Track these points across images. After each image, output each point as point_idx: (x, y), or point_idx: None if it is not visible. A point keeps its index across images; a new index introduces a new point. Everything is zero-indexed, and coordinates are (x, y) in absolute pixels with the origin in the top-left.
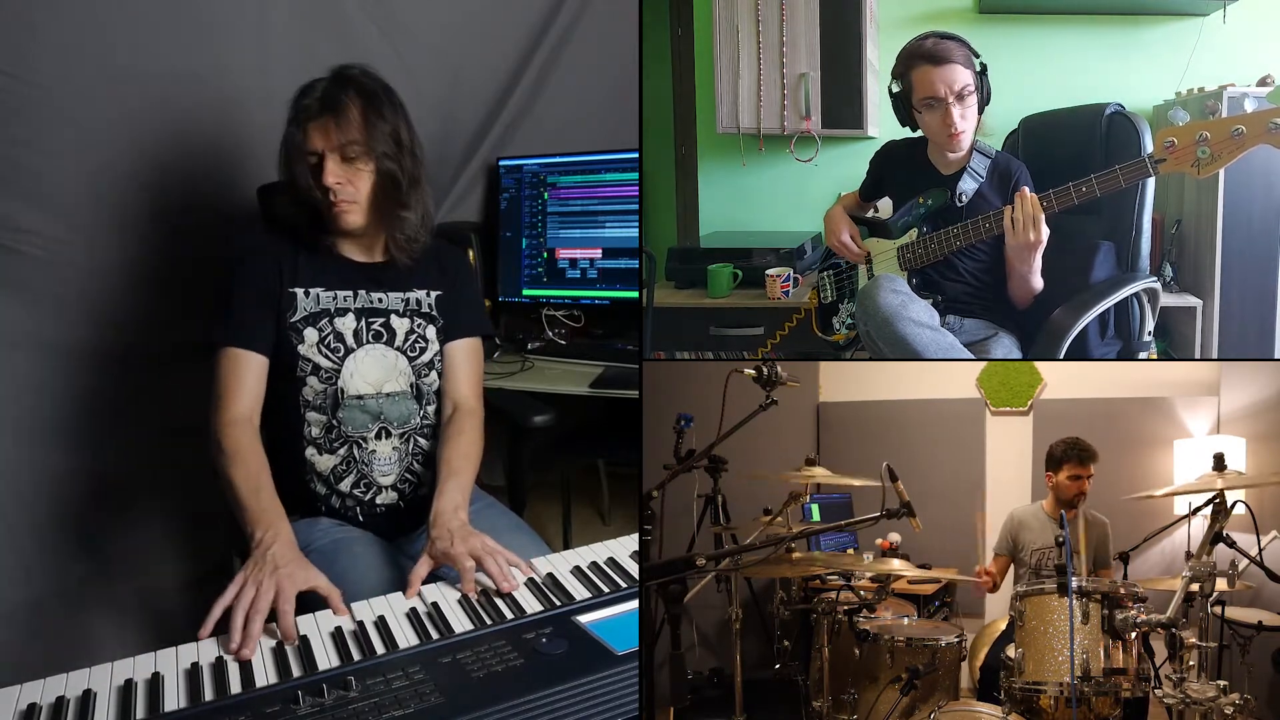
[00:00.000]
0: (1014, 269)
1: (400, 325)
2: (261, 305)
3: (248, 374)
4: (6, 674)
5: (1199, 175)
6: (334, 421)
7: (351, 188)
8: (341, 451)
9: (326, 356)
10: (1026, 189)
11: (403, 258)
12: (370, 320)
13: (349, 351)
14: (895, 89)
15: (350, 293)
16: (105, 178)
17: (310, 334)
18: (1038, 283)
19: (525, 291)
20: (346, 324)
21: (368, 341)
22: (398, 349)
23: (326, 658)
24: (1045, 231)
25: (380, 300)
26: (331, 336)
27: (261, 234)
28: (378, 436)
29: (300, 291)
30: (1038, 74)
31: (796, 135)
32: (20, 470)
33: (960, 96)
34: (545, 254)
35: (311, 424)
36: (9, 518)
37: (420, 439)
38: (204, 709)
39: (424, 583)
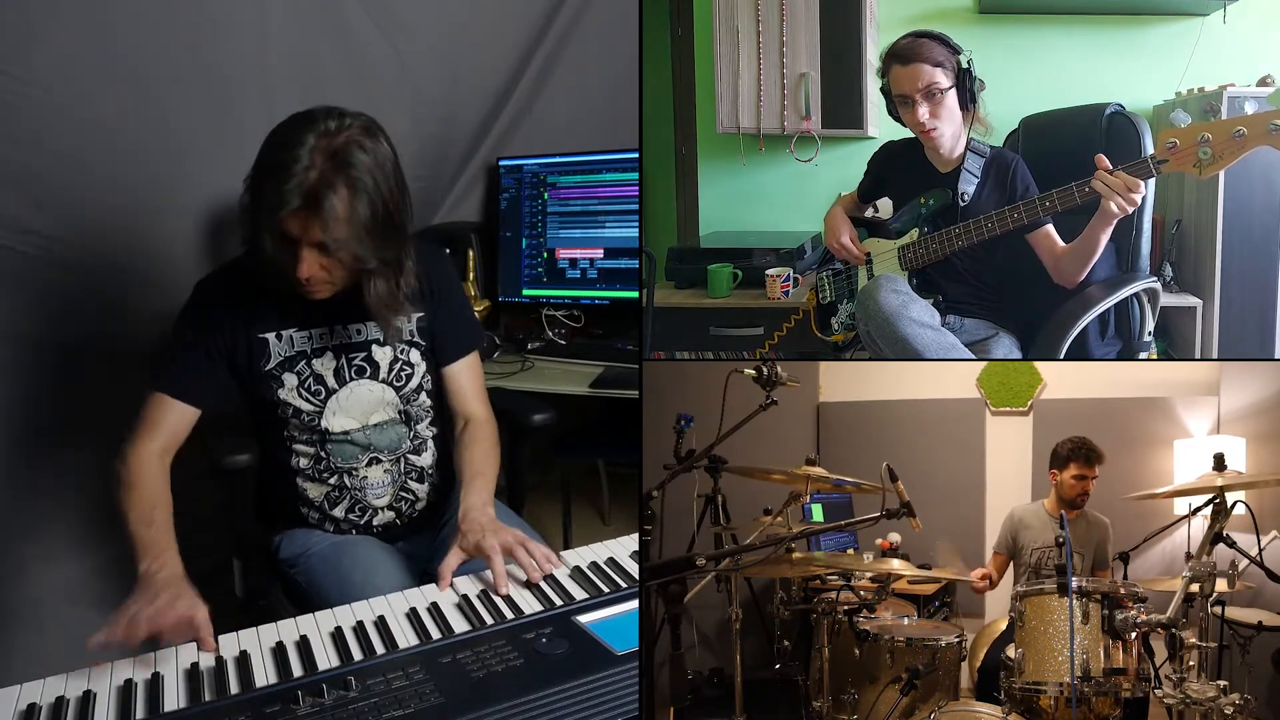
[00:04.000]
0: (1085, 241)
1: (383, 356)
2: (208, 358)
3: (170, 419)
4: (6, 674)
5: (1200, 176)
6: (323, 454)
7: (326, 273)
8: (332, 480)
9: (307, 400)
10: (1103, 156)
11: (381, 324)
12: (350, 356)
13: (330, 393)
14: (883, 87)
15: (325, 329)
16: (105, 177)
17: (289, 379)
18: (1099, 250)
19: (525, 291)
20: (325, 364)
21: (350, 379)
22: (384, 381)
23: (326, 658)
24: (1143, 187)
25: (359, 332)
26: (311, 379)
27: (223, 275)
28: (368, 465)
29: (271, 336)
30: (1038, 74)
31: (796, 135)
32: (20, 469)
33: (928, 95)
34: (545, 254)
35: (300, 456)
36: (8, 517)
37: (412, 457)
38: (204, 709)
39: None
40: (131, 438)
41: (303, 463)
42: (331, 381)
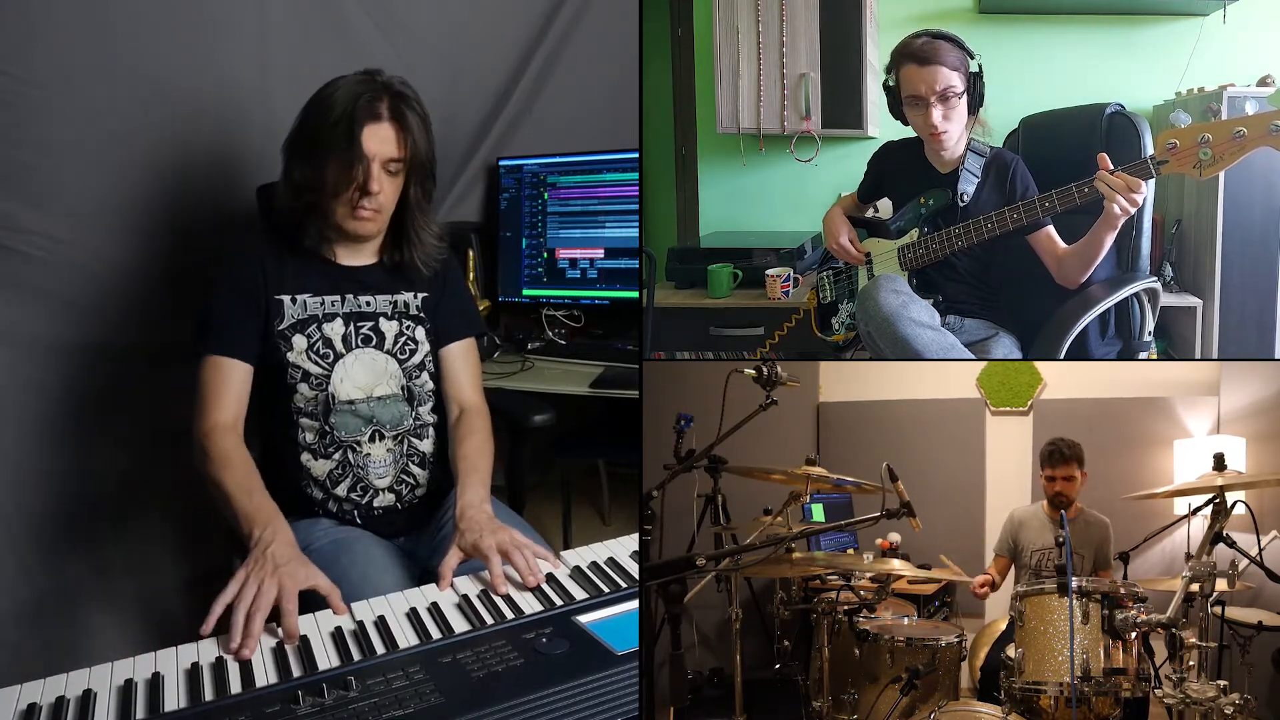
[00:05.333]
0: (1091, 243)
1: (389, 328)
2: (246, 313)
3: (231, 381)
4: (6, 674)
5: (1200, 177)
6: (327, 427)
7: (384, 197)
8: (336, 456)
9: (316, 363)
10: (1105, 155)
11: (425, 270)
12: (359, 324)
13: (338, 357)
14: (889, 84)
15: (338, 297)
16: (104, 177)
17: (299, 341)
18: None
19: (525, 291)
20: (335, 329)
21: (357, 346)
22: (388, 352)
23: (326, 658)
24: (1144, 188)
25: (368, 304)
26: (320, 343)
27: (246, 240)
28: (371, 440)
29: (287, 299)
30: (1038, 74)
31: (796, 135)
32: (20, 470)
33: (943, 98)
34: (545, 254)
35: (305, 429)
36: (9, 517)
37: (414, 440)
38: (204, 709)
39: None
40: (201, 413)
41: (308, 437)
42: (339, 346)
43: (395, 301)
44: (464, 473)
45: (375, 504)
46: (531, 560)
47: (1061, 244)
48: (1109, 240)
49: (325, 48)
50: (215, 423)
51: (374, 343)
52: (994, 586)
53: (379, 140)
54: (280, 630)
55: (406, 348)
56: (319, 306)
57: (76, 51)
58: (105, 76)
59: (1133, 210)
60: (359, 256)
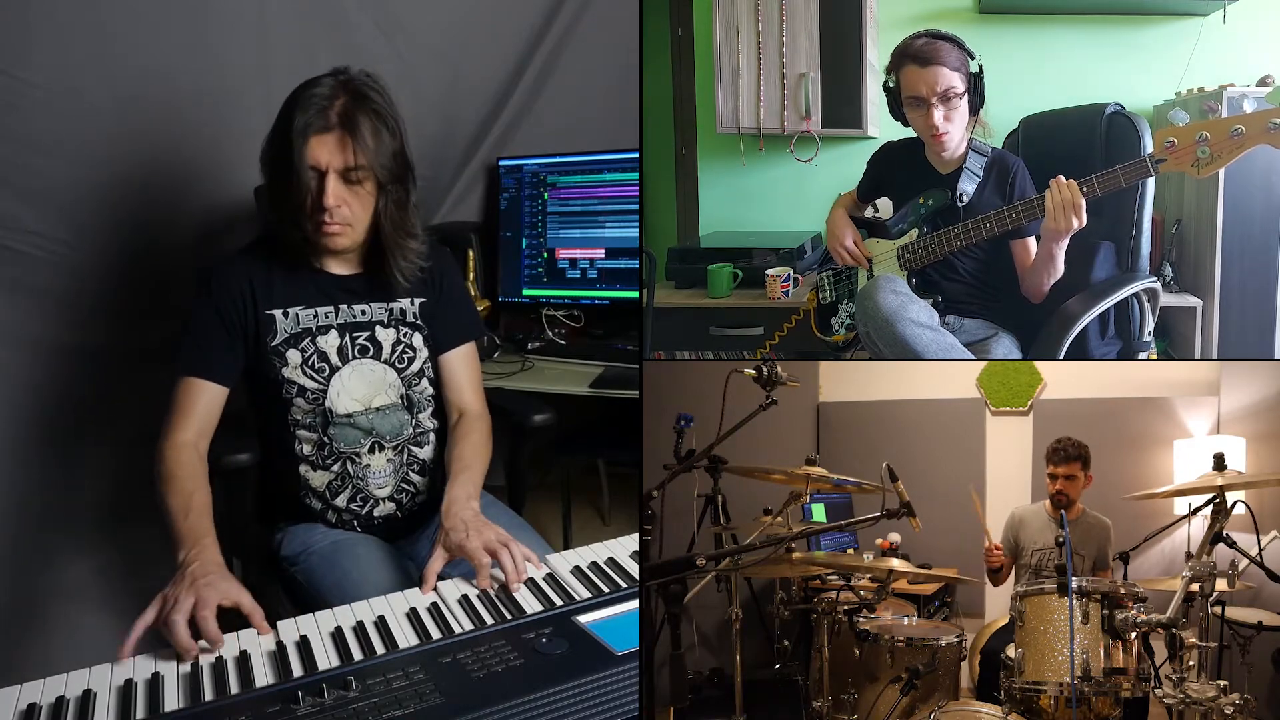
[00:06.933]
0: (1037, 255)
1: (386, 337)
2: (225, 334)
3: (199, 402)
4: (6, 674)
5: (1199, 175)
6: (325, 438)
7: (348, 210)
8: (335, 468)
9: (311, 378)
10: (1062, 177)
11: (404, 281)
12: (354, 335)
13: (334, 371)
14: (889, 85)
15: (331, 308)
16: (104, 177)
17: (293, 356)
18: (1059, 269)
19: (525, 291)
20: (330, 342)
21: (353, 357)
22: (385, 362)
23: (326, 658)
24: (1083, 218)
25: (363, 313)
26: (315, 356)
27: (233, 257)
28: (371, 450)
29: (279, 313)
30: (1038, 74)
31: (796, 135)
32: (19, 470)
33: (945, 99)
34: (545, 254)
35: (303, 441)
36: (8, 517)
37: (414, 448)
38: (204, 709)
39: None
40: (165, 429)
41: (306, 449)
42: (335, 359)
43: (391, 309)
44: (455, 471)
45: (375, 513)
46: (519, 559)
47: (1032, 256)
48: (1057, 253)
49: (325, 48)
50: (175, 440)
51: (371, 353)
52: (1003, 570)
53: (328, 150)
54: (204, 639)
55: (405, 356)
56: (312, 319)
57: (76, 51)
58: (105, 77)
59: (1067, 227)
60: (349, 265)
